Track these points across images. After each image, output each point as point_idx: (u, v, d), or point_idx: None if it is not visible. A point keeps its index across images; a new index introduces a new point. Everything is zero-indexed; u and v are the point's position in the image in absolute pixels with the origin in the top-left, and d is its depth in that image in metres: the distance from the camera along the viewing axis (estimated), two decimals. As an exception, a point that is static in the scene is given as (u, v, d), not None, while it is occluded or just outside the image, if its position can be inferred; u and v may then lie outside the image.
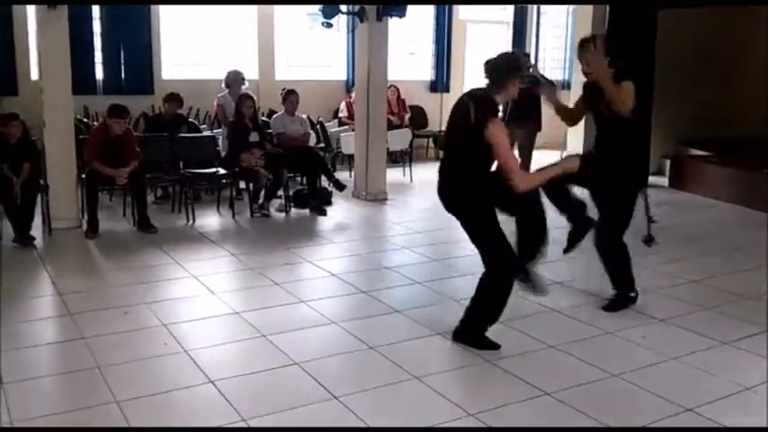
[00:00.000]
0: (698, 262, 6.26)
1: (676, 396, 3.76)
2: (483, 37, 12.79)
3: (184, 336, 4.46)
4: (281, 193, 7.97)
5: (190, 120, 8.93)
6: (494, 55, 4.34)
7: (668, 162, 10.13)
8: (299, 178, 8.81)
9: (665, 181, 9.98)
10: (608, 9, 9.78)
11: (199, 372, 3.96)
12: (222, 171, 7.82)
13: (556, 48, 13.23)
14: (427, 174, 10.47)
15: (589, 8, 10.05)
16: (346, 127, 10.23)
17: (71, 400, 3.68)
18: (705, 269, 6.03)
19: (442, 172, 4.30)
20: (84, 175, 6.96)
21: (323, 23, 8.77)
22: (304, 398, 3.70)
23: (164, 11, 10.06)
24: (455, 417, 3.54)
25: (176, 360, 4.13)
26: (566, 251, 5.08)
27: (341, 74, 11.52)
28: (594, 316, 4.91)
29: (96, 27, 9.58)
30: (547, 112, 9.09)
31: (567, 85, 11.75)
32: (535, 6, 12.84)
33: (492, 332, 4.47)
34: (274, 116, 8.61)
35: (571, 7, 12.30)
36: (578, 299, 5.24)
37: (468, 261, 6.05)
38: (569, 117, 5.18)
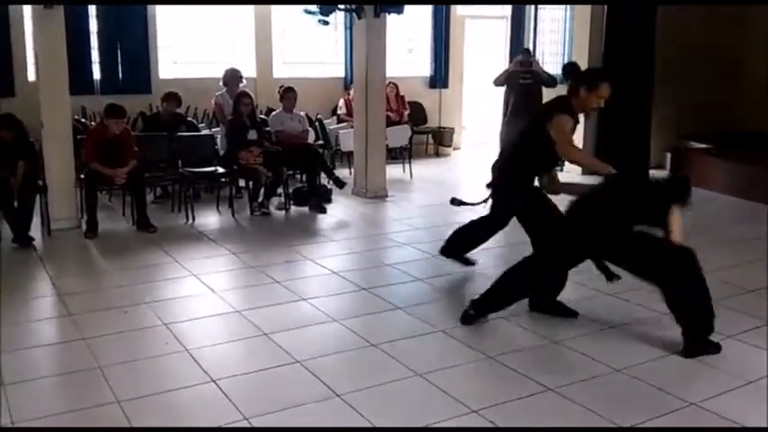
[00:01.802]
0: (699, 255, 6.22)
1: (679, 390, 3.75)
2: (481, 32, 12.76)
3: (185, 335, 4.45)
4: (280, 191, 7.95)
5: (188, 119, 8.90)
6: None
7: (669, 155, 10.13)
8: (298, 176, 8.78)
9: (665, 174, 9.97)
10: (606, 5, 9.77)
11: (200, 371, 3.95)
12: (221, 170, 7.79)
13: (554, 42, 13.18)
14: (427, 170, 10.54)
15: (588, 5, 10.04)
16: (345, 124, 10.21)
17: (72, 401, 3.67)
18: (706, 262, 5.91)
19: None
20: (82, 176, 6.94)
21: (320, 21, 8.73)
22: (306, 396, 3.68)
23: (160, 10, 10.02)
24: (458, 413, 3.52)
25: (177, 359, 4.12)
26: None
27: (339, 71, 11.49)
28: (596, 311, 4.89)
29: (93, 26, 9.52)
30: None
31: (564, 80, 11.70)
32: (533, 1, 12.80)
33: (494, 327, 4.48)
34: (273, 114, 8.59)
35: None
36: (580, 294, 5.21)
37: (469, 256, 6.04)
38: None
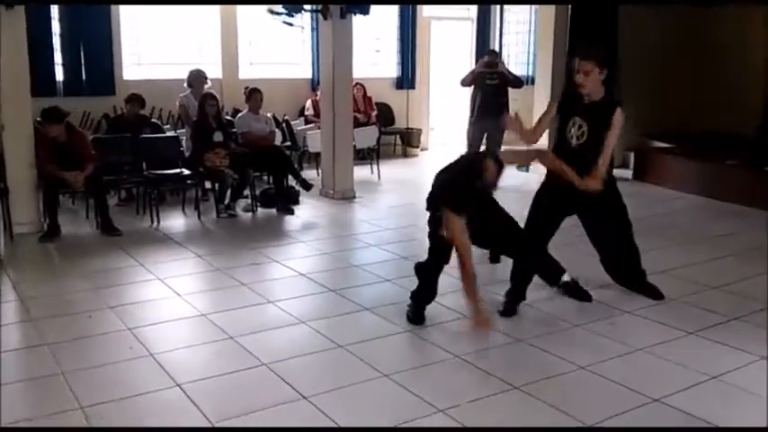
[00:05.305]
0: (663, 253, 6.33)
1: (643, 387, 3.79)
2: (447, 34, 12.82)
3: (150, 339, 4.39)
4: (247, 192, 7.90)
5: (153, 120, 8.81)
6: None
7: (632, 154, 10.25)
8: (265, 177, 8.74)
9: (628, 173, 10.08)
10: (570, 6, 9.88)
11: (165, 375, 3.90)
12: (186, 172, 7.73)
13: (519, 44, 13.31)
14: (395, 171, 10.54)
15: (552, 5, 10.13)
16: (312, 125, 10.18)
17: (35, 408, 3.60)
18: (670, 260, 6.09)
19: None
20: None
21: (284, 22, 8.67)
22: (273, 399, 3.66)
23: (124, 11, 9.90)
24: (425, 414, 3.53)
25: (142, 364, 4.06)
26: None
27: (306, 72, 11.43)
28: (562, 309, 4.94)
29: (56, 28, 9.38)
30: (513, 108, 9.17)
31: (531, 81, 11.80)
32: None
33: (461, 327, 4.49)
34: (239, 115, 8.53)
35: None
36: (544, 292, 5.25)
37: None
38: (532, 137, 5.07)
